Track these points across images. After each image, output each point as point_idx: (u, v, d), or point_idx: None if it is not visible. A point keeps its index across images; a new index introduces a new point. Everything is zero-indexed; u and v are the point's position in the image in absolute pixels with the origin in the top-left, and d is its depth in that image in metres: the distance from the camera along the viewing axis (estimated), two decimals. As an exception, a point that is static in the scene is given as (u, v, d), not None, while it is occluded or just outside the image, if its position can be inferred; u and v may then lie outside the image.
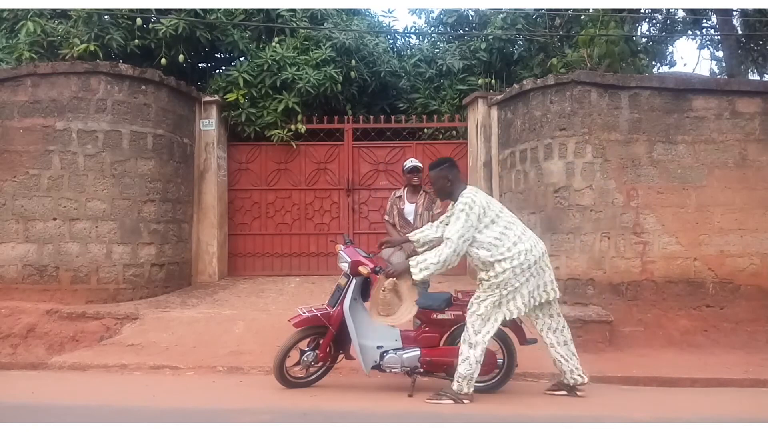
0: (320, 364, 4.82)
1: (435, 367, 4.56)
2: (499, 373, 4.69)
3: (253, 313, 6.58)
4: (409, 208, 5.76)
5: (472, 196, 4.36)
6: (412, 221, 5.71)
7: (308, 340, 4.80)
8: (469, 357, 4.29)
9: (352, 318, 4.58)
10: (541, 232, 7.13)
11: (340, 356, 4.84)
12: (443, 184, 4.57)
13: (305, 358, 4.72)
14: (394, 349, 4.61)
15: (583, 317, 6.32)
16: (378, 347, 4.63)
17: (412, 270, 4.36)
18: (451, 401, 4.33)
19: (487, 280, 4.33)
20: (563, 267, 6.92)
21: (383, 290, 4.50)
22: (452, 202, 4.56)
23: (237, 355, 5.68)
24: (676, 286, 6.78)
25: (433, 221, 5.23)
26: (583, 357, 5.87)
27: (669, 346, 6.35)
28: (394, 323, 4.56)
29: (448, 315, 4.59)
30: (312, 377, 4.87)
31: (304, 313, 4.70)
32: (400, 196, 5.89)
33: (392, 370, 4.60)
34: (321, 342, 4.73)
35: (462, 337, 4.38)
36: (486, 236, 4.34)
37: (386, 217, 5.92)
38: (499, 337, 4.67)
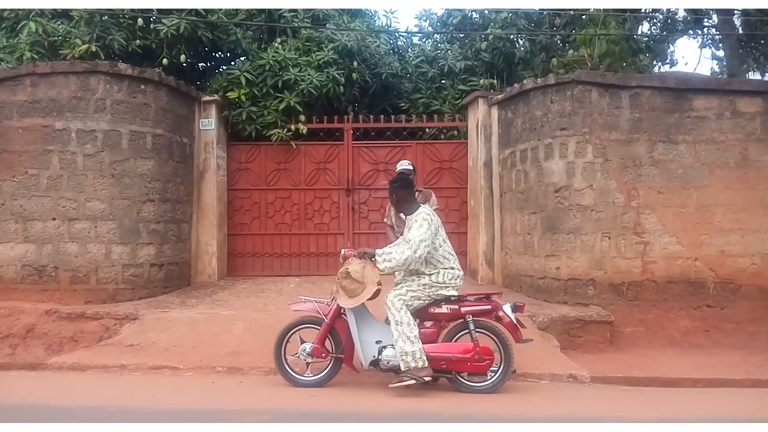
0: (316, 358, 4.81)
1: (433, 362, 4.56)
2: (497, 371, 4.69)
3: (253, 314, 6.56)
4: None
5: (430, 212, 4.82)
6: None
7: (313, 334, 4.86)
8: (401, 333, 4.52)
9: (353, 313, 4.69)
10: (542, 232, 7.13)
11: (342, 362, 4.84)
12: (392, 200, 5.08)
13: (302, 348, 4.79)
14: (392, 345, 4.63)
15: (584, 317, 6.31)
16: (377, 342, 4.70)
17: (377, 259, 4.64)
18: (413, 380, 4.46)
19: (428, 282, 4.69)
20: (564, 267, 6.90)
21: (339, 277, 4.67)
22: (406, 216, 4.97)
23: (236, 356, 5.66)
24: (677, 286, 6.76)
25: None
26: (584, 357, 5.91)
27: (670, 346, 6.34)
28: (356, 304, 4.66)
29: (445, 309, 4.68)
30: (316, 377, 4.86)
31: (303, 300, 4.98)
32: None
33: (390, 364, 4.62)
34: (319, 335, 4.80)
35: (388, 320, 4.63)
36: (436, 253, 4.74)
37: (385, 220, 6.12)
38: (495, 334, 4.70)
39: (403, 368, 4.49)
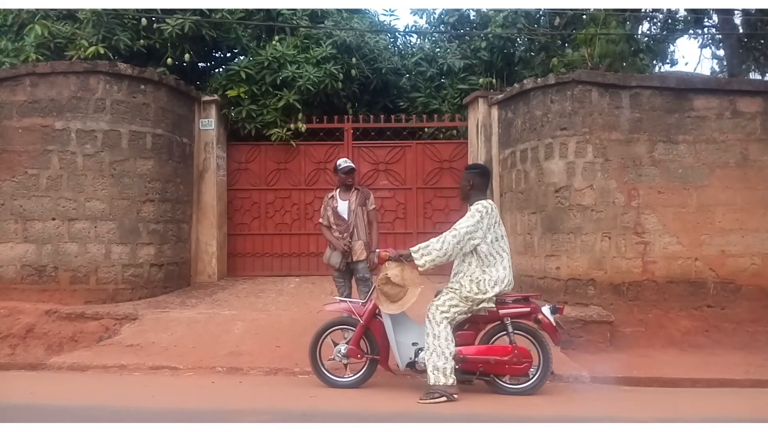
0: (351, 359, 4.76)
1: (470, 365, 4.50)
2: (536, 373, 4.62)
3: (253, 314, 6.56)
4: (342, 206, 5.74)
5: (491, 205, 4.59)
6: (346, 218, 5.71)
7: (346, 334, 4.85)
8: (436, 347, 4.39)
9: (389, 314, 4.62)
10: (542, 232, 7.13)
11: (377, 363, 4.79)
12: (464, 185, 4.76)
13: (337, 349, 4.75)
14: None
15: (584, 317, 6.31)
16: (413, 344, 4.64)
17: (413, 256, 4.49)
18: (444, 397, 4.32)
19: (470, 292, 4.47)
20: (564, 267, 6.90)
21: (379, 283, 4.55)
22: (469, 206, 4.68)
23: (236, 356, 5.66)
24: (677, 286, 6.75)
25: (368, 217, 5.65)
26: (584, 357, 5.90)
27: (670, 346, 6.33)
28: (401, 309, 4.56)
29: (483, 312, 4.58)
30: (351, 378, 4.83)
31: (338, 300, 4.91)
32: (332, 196, 5.87)
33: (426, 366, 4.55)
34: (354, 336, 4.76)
35: (426, 332, 4.47)
36: (488, 248, 4.50)
37: (321, 220, 5.88)
38: (533, 336, 4.64)
39: (432, 382, 4.36)
